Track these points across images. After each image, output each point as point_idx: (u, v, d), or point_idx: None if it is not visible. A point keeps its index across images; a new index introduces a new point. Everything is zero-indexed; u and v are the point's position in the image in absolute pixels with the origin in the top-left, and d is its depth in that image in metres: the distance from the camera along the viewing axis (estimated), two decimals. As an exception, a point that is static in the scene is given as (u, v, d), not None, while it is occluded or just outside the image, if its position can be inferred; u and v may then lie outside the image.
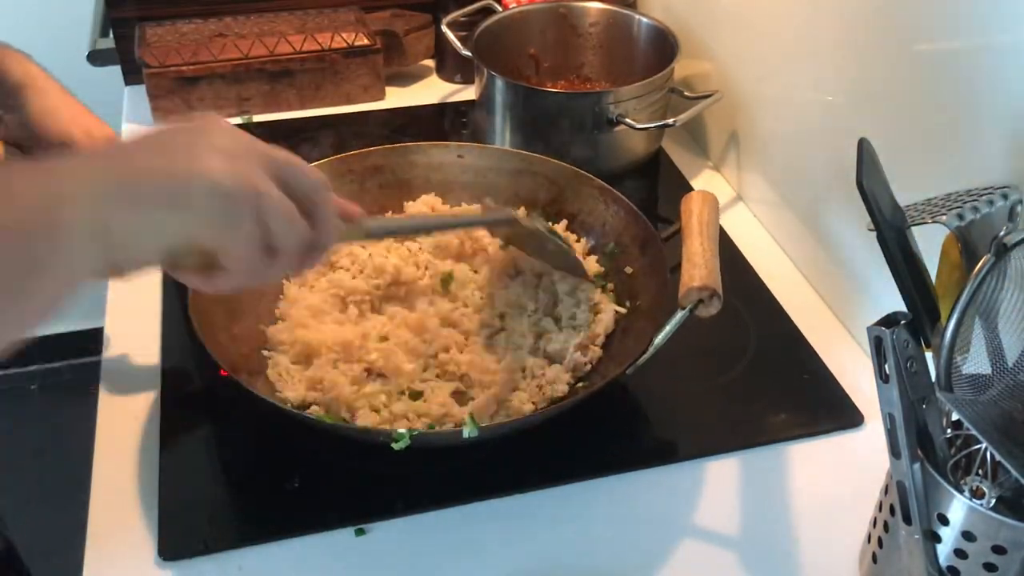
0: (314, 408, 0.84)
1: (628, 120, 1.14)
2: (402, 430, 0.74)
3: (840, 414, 0.90)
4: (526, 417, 0.83)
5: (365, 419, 0.82)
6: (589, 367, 0.90)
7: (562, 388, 0.87)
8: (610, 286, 0.97)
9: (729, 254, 1.08)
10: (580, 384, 0.88)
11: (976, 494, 0.67)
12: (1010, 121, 0.74)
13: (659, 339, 0.80)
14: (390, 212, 1.05)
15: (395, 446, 0.74)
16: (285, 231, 0.60)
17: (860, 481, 0.81)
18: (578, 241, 1.01)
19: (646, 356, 0.81)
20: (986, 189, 0.69)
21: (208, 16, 1.38)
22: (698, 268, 0.81)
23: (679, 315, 0.80)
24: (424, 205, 1.04)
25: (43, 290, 0.53)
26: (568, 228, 1.03)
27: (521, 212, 0.97)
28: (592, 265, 0.98)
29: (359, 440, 0.81)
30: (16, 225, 0.51)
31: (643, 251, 0.94)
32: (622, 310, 0.92)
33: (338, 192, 1.02)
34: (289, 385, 0.85)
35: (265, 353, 0.89)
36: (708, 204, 0.90)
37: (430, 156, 1.06)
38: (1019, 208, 0.69)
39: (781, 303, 1.03)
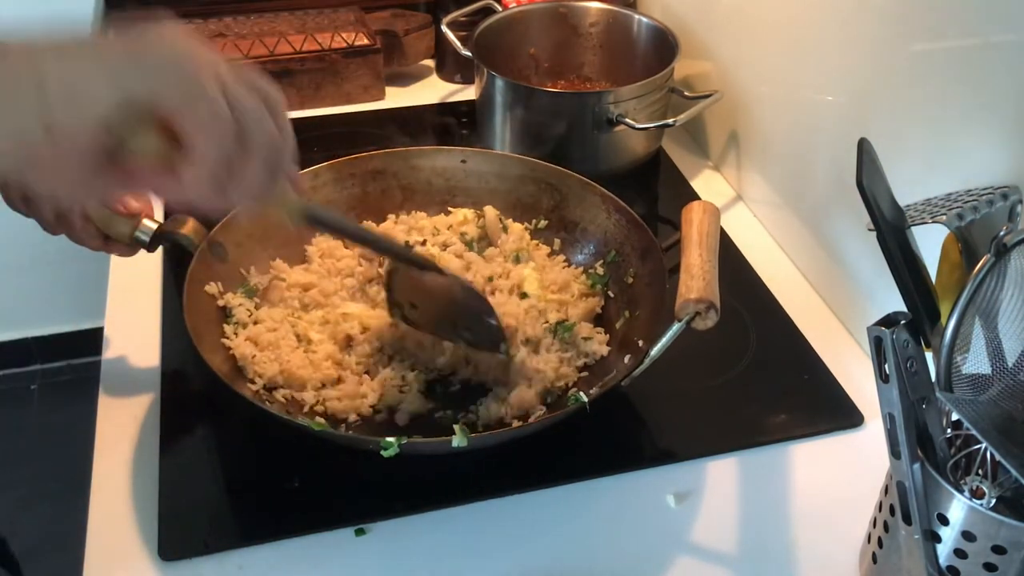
0: (282, 392, 0.85)
1: (628, 120, 1.14)
2: (390, 439, 0.74)
3: (840, 414, 0.90)
4: (517, 428, 0.83)
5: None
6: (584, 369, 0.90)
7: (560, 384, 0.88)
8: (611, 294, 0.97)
9: (729, 254, 1.08)
10: (573, 389, 0.88)
11: (976, 494, 0.67)
12: (1010, 121, 0.74)
13: (654, 351, 0.80)
14: (392, 216, 1.05)
15: (384, 454, 0.74)
16: (256, 119, 0.54)
17: (860, 481, 0.81)
18: (581, 251, 1.01)
19: (641, 368, 0.81)
20: (986, 189, 0.69)
21: (208, 16, 1.38)
22: (695, 280, 0.81)
23: (675, 327, 0.80)
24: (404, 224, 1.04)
25: None
26: (570, 236, 1.03)
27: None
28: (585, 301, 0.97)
29: (348, 447, 0.81)
30: None
31: (643, 260, 0.94)
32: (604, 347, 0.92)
33: (340, 196, 1.03)
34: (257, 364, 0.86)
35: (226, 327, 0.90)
36: (709, 214, 0.89)
37: (434, 160, 1.06)
38: (1019, 208, 0.69)
39: (781, 303, 1.03)
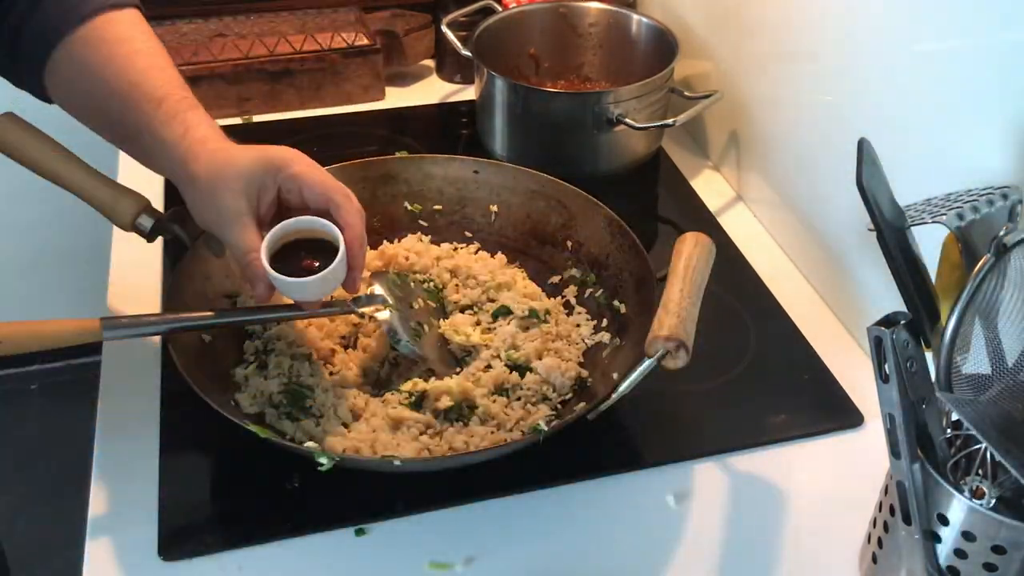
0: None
1: (628, 120, 1.14)
2: (326, 452, 0.75)
3: (840, 414, 0.90)
4: (466, 453, 0.81)
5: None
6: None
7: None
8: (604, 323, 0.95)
9: (729, 254, 1.08)
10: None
11: (976, 494, 0.67)
12: (1010, 121, 0.74)
13: (623, 388, 0.78)
14: (386, 242, 1.04)
15: (320, 469, 0.75)
16: None
17: (860, 481, 0.81)
18: (582, 271, 1.00)
19: (607, 403, 0.78)
20: (986, 189, 0.69)
21: (208, 16, 1.38)
22: (670, 316, 0.78)
23: (645, 364, 0.78)
24: (402, 248, 1.02)
25: None
26: (573, 255, 1.01)
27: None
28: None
29: (291, 453, 0.80)
30: None
31: (638, 290, 0.92)
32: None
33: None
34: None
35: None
36: (699, 247, 0.87)
37: (446, 169, 1.05)
38: (1019, 208, 0.69)
39: (781, 303, 1.03)
